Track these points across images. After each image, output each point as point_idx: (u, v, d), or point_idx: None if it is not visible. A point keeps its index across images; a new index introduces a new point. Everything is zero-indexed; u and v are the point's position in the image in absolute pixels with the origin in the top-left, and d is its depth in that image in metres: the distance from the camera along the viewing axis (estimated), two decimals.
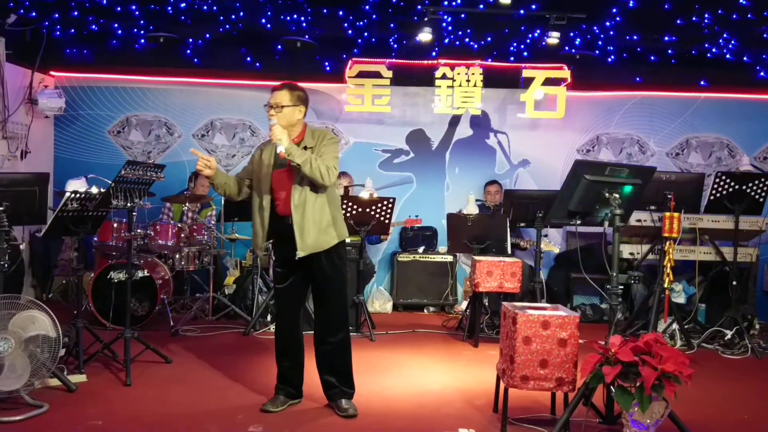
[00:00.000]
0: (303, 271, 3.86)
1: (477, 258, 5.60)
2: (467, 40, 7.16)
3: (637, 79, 7.47)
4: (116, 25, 6.98)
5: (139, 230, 5.97)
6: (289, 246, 3.76)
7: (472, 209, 6.39)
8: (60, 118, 7.40)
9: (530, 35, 7.10)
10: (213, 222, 6.40)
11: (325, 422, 3.70)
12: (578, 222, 3.77)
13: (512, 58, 7.38)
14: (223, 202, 6.26)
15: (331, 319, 3.90)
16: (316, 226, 3.76)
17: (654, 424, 3.35)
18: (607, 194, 3.65)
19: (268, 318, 6.03)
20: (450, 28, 6.95)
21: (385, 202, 5.85)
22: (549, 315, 3.56)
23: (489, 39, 7.14)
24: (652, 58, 7.29)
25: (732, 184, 5.72)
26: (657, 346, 3.35)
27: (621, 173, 3.71)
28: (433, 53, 7.26)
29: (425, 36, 6.75)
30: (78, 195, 4.38)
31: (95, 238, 6.01)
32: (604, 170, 3.68)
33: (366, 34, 7.18)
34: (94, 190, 4.64)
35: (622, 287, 3.75)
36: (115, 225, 5.82)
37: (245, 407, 3.87)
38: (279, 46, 7.17)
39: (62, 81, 7.42)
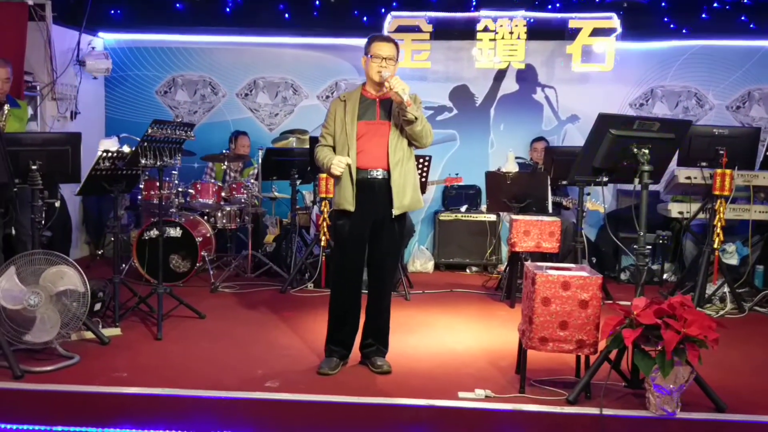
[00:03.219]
0: (373, 229, 3.76)
1: (514, 217, 5.45)
2: None
3: (692, 27, 6.99)
4: None
5: (179, 188, 6.11)
6: (371, 201, 3.69)
7: (512, 167, 6.19)
8: (109, 78, 7.56)
9: None
10: (252, 181, 6.45)
11: (341, 379, 3.70)
12: (605, 179, 3.60)
13: (558, 4, 7.01)
14: (260, 161, 6.29)
15: (388, 280, 3.91)
16: (411, 185, 3.73)
17: (678, 389, 3.21)
18: (635, 150, 3.46)
19: (306, 276, 6.08)
20: None
21: (421, 160, 5.73)
22: (570, 275, 3.42)
23: None
24: (707, 3, 6.81)
25: None
26: (682, 309, 3.19)
27: (651, 127, 3.49)
28: (473, 4, 6.98)
29: None
30: (109, 154, 4.48)
31: (138, 197, 6.20)
32: (632, 124, 3.47)
33: None
34: (126, 149, 4.73)
35: (650, 247, 3.58)
36: (158, 184, 5.95)
37: (267, 362, 3.91)
38: (316, 2, 7.06)
39: (110, 42, 7.56)
